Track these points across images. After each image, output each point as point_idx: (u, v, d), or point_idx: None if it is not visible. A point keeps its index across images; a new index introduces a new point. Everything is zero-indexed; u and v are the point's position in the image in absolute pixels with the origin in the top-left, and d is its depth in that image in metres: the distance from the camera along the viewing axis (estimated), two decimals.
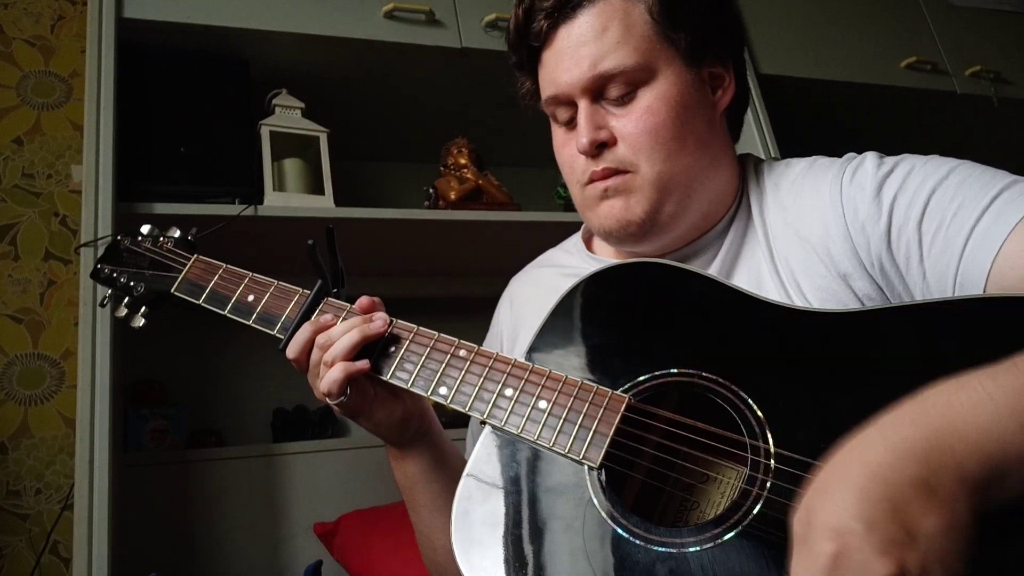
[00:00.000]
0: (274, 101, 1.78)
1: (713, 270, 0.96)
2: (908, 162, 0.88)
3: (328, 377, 0.87)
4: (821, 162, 0.97)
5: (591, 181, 0.96)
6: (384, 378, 0.88)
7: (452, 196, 1.88)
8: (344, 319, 0.91)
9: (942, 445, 0.59)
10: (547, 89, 0.98)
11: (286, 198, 1.68)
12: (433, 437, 1.00)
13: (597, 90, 0.94)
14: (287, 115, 1.77)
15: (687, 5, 0.94)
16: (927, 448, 0.59)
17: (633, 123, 0.93)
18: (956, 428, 0.60)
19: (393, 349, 0.89)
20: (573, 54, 0.94)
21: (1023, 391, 0.61)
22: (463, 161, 1.95)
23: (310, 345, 0.90)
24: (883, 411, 0.63)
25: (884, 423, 0.62)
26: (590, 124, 0.94)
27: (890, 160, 0.90)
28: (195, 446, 1.77)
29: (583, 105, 0.95)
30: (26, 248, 1.90)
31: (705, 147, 0.96)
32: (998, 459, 0.60)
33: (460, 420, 0.86)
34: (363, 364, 0.88)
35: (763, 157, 1.08)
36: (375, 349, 0.89)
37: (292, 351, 0.91)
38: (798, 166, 0.99)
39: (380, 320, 0.90)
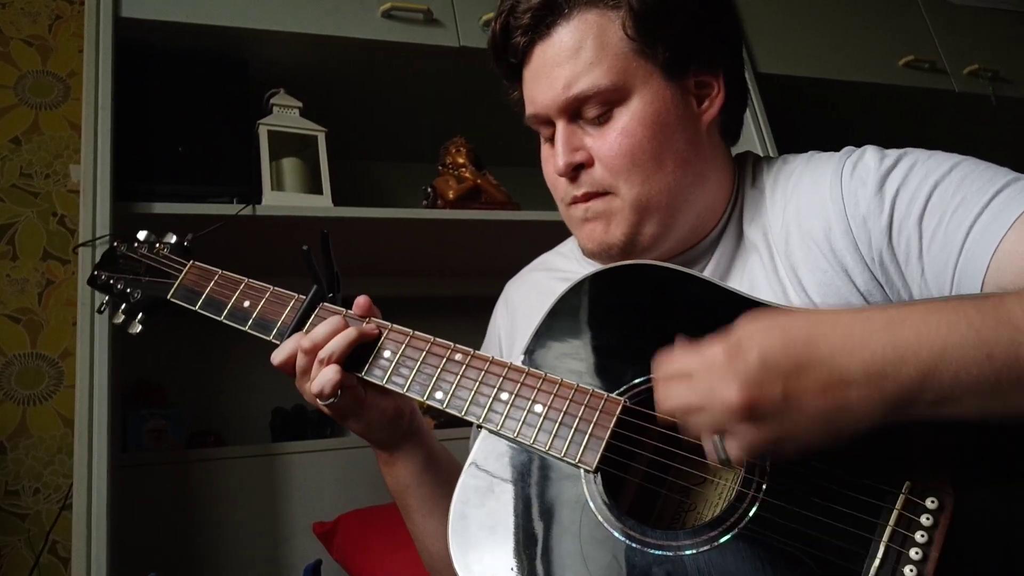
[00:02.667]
0: (272, 100, 1.78)
1: (708, 272, 0.96)
2: (911, 157, 0.88)
3: (322, 376, 0.86)
4: (819, 157, 0.97)
5: (574, 203, 0.96)
6: (380, 383, 0.88)
7: (450, 195, 1.88)
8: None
9: (896, 357, 0.63)
10: (528, 107, 0.98)
11: (284, 197, 1.68)
12: (423, 438, 0.99)
13: (573, 111, 0.93)
14: (285, 114, 1.77)
15: (665, 19, 0.91)
16: (879, 355, 0.63)
17: (609, 145, 0.91)
18: (920, 345, 0.63)
19: (389, 354, 0.89)
20: (548, 74, 0.93)
21: (1001, 331, 0.63)
22: (461, 160, 1.95)
23: (296, 352, 0.90)
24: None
25: (866, 311, 0.68)
26: (567, 146, 0.93)
27: (892, 154, 0.90)
28: (194, 446, 1.77)
29: (560, 126, 0.94)
30: (24, 248, 1.90)
31: (686, 164, 0.93)
32: (947, 388, 0.63)
33: (458, 420, 0.86)
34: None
35: (761, 155, 1.07)
36: (370, 353, 0.90)
37: (278, 357, 0.91)
38: (795, 162, 0.99)
39: (372, 323, 0.91)
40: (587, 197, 0.94)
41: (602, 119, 0.92)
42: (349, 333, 0.88)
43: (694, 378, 0.66)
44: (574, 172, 0.94)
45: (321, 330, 0.88)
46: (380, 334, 0.91)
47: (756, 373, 0.63)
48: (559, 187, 0.97)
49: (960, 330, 0.64)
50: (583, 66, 0.91)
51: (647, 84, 0.92)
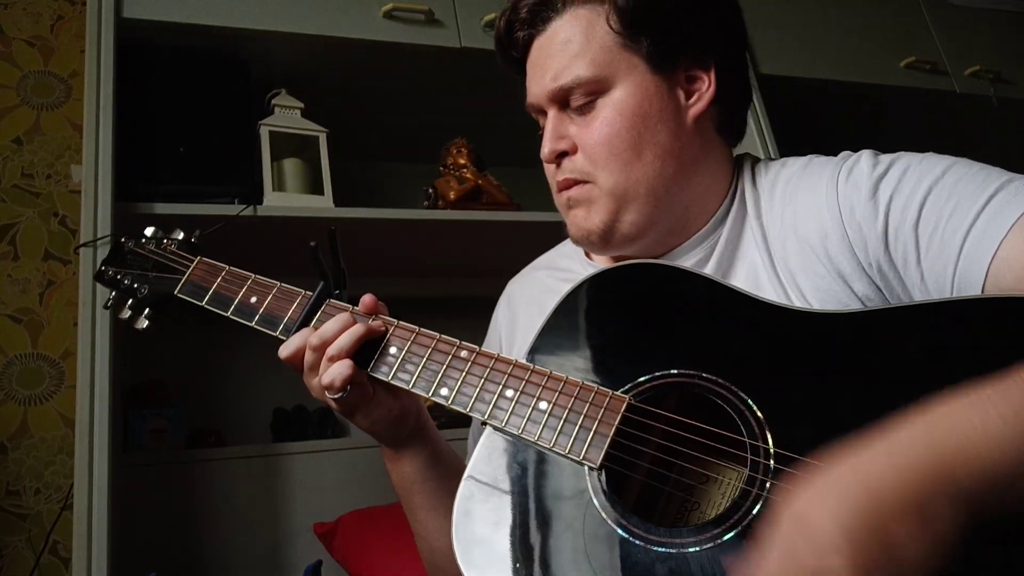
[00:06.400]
0: (273, 101, 1.78)
1: (709, 271, 0.95)
2: (903, 161, 0.88)
3: (332, 370, 0.87)
4: (817, 161, 0.97)
5: (560, 190, 0.99)
6: (386, 379, 0.88)
7: (451, 196, 1.88)
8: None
9: (945, 470, 0.59)
10: (527, 98, 1.01)
11: (286, 198, 1.68)
12: (428, 435, 1.00)
13: (561, 101, 0.96)
14: (286, 115, 1.77)
15: (651, 11, 0.94)
16: (930, 471, 0.59)
17: (590, 134, 0.95)
18: (963, 452, 0.59)
19: (395, 350, 0.89)
20: (541, 65, 0.97)
21: None
22: (462, 161, 1.95)
23: (304, 348, 0.90)
24: (888, 419, 0.62)
25: (891, 438, 0.62)
26: (553, 134, 0.97)
27: (885, 159, 0.89)
28: (195, 446, 1.77)
29: (551, 114, 0.98)
30: (25, 248, 1.90)
31: (668, 155, 0.95)
32: (1005, 482, 0.59)
33: (459, 420, 0.86)
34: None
35: (761, 157, 1.07)
36: (377, 349, 0.90)
37: (285, 351, 0.91)
38: (794, 165, 0.99)
39: (379, 320, 0.91)
40: (568, 184, 0.97)
41: (585, 108, 0.95)
42: (357, 329, 0.88)
43: None
44: (558, 159, 0.98)
45: (330, 326, 0.89)
46: (387, 331, 0.91)
47: (850, 547, 0.56)
48: (549, 174, 1.01)
49: (997, 430, 0.60)
50: (569, 58, 0.94)
51: (630, 76, 0.94)
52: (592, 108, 0.95)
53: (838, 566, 0.56)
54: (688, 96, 0.97)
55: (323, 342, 0.88)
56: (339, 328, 0.88)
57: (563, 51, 0.95)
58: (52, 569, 1.70)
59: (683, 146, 0.96)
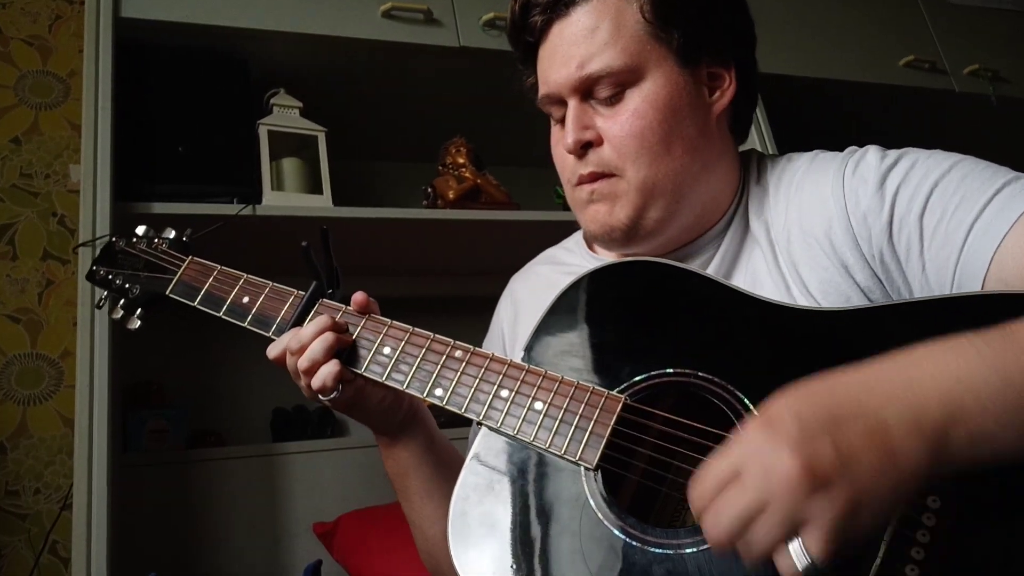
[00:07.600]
0: (272, 100, 1.78)
1: (711, 269, 0.96)
2: (911, 155, 0.88)
3: (322, 372, 0.87)
4: (823, 156, 0.97)
5: (579, 183, 0.96)
6: (379, 380, 0.88)
7: (450, 195, 1.88)
8: (339, 320, 0.91)
9: (919, 397, 0.60)
10: (541, 87, 0.98)
11: (284, 197, 1.68)
12: (422, 420, 1.00)
13: (586, 90, 0.93)
14: (285, 114, 1.77)
15: (682, 3, 0.92)
16: (902, 398, 0.61)
17: (619, 125, 0.92)
18: (937, 381, 0.61)
19: (389, 350, 0.89)
20: (564, 53, 0.93)
21: (1012, 355, 0.62)
22: (461, 160, 1.95)
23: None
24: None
25: (870, 363, 0.64)
26: (577, 124, 0.94)
27: (893, 153, 0.90)
28: (194, 446, 1.77)
29: (572, 104, 0.94)
30: (24, 248, 1.90)
31: (695, 151, 0.94)
32: (976, 420, 0.60)
33: (459, 419, 0.86)
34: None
35: (765, 153, 1.07)
36: (371, 350, 0.90)
37: (273, 352, 0.91)
38: (799, 160, 0.99)
39: (373, 319, 0.91)
40: (593, 177, 0.95)
41: (614, 99, 0.93)
42: (327, 338, 0.87)
43: (742, 470, 0.60)
44: (582, 150, 0.94)
45: (306, 332, 0.88)
46: (355, 335, 0.91)
47: (799, 434, 0.58)
48: (567, 166, 0.98)
49: (972, 362, 0.62)
50: (598, 46, 0.91)
51: (660, 67, 0.92)
52: (620, 99, 0.92)
53: (786, 457, 0.57)
54: (710, 93, 0.96)
55: (301, 346, 0.88)
56: (312, 334, 0.88)
57: (590, 39, 0.92)
58: (51, 569, 1.70)
59: (707, 143, 0.96)
